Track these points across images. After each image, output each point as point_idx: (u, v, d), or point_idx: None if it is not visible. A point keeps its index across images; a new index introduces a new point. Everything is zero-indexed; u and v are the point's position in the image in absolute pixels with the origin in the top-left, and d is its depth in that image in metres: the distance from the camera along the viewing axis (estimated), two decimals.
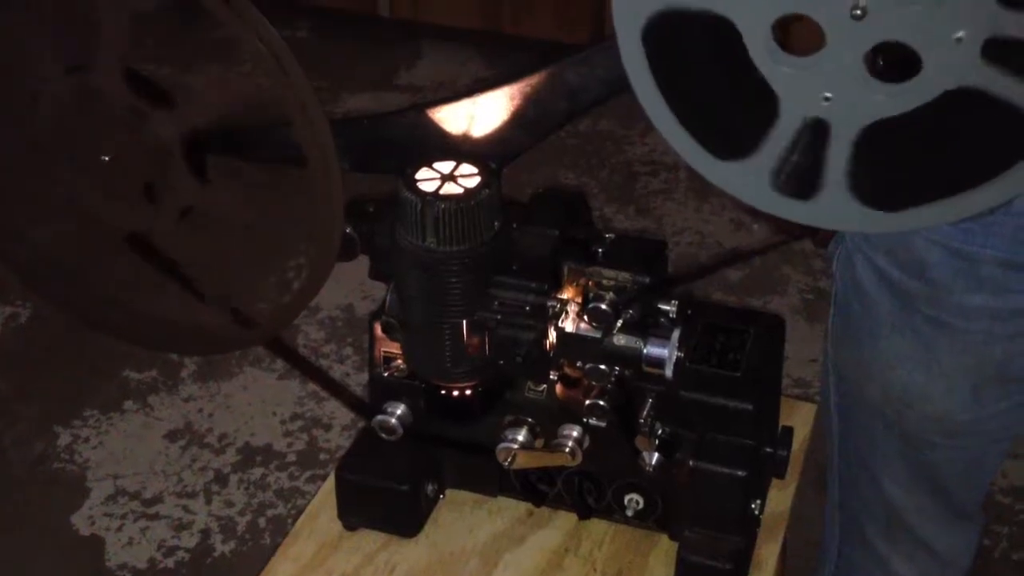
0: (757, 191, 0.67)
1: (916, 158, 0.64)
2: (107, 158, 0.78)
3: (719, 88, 0.66)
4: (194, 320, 0.87)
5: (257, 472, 1.84)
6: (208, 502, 1.79)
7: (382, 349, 0.87)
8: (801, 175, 0.65)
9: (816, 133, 0.64)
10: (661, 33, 0.64)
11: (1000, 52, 0.59)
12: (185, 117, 0.75)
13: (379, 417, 0.87)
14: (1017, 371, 0.95)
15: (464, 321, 0.80)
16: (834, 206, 0.65)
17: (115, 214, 0.81)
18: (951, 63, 0.60)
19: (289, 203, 0.78)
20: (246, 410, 1.95)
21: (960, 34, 0.59)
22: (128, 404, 1.96)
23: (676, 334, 0.81)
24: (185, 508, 1.78)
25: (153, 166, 0.77)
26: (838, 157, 0.64)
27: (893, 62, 0.62)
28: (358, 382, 1.77)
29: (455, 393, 0.84)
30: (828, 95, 0.62)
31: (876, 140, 0.63)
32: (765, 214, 0.68)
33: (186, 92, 0.77)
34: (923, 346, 0.94)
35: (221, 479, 1.83)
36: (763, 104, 0.64)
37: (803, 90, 0.63)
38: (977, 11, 0.58)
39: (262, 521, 1.76)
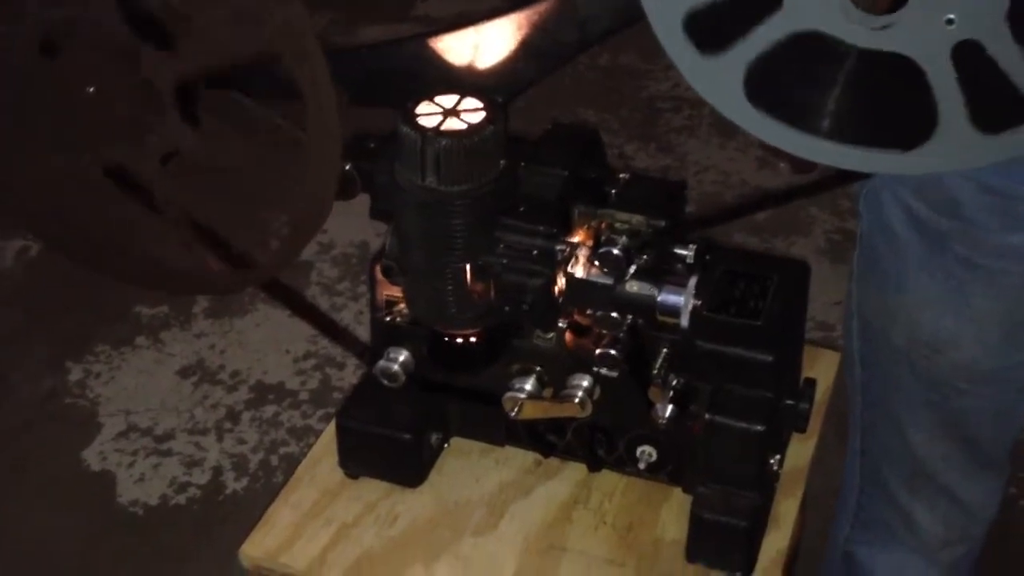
0: (979, 150, 0.61)
1: None
2: (92, 89, 0.74)
3: (858, 90, 0.61)
4: (189, 261, 0.84)
5: (270, 410, 1.82)
6: (220, 439, 1.78)
7: (383, 293, 0.84)
8: (998, 107, 0.59)
9: (973, 61, 0.58)
10: (765, 87, 0.60)
11: None
12: (183, 62, 0.70)
13: (381, 363, 0.84)
14: None
15: (468, 265, 0.76)
16: None
17: (95, 148, 0.77)
18: None
19: (287, 142, 0.74)
20: (259, 347, 1.93)
21: None
22: (140, 340, 1.95)
23: (693, 281, 0.77)
24: (197, 445, 1.77)
25: (140, 106, 0.73)
26: (1015, 64, 0.58)
27: None
28: None
29: (459, 340, 0.81)
30: (950, 16, 0.57)
31: None
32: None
33: (186, 35, 0.71)
34: (954, 288, 0.90)
35: (233, 416, 1.81)
36: (902, 71, 0.59)
37: (926, 31, 0.58)
38: None
39: (274, 459, 1.75)
